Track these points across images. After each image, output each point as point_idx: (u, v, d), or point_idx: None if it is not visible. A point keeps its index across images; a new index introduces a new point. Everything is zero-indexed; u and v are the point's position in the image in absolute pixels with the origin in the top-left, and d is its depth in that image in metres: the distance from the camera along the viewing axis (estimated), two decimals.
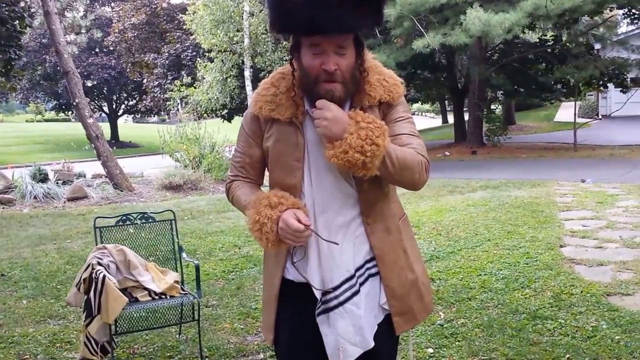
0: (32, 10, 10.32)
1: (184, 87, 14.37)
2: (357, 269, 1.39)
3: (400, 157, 1.28)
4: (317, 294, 1.36)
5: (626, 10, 13.91)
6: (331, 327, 1.36)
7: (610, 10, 14.53)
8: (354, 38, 1.32)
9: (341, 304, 1.35)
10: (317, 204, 1.36)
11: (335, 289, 1.35)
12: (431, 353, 2.62)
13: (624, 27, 18.22)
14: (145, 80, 20.68)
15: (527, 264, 3.83)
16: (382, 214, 1.41)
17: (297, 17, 1.23)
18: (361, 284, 1.39)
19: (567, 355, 2.50)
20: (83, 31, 22.30)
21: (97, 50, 23.77)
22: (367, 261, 1.40)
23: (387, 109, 1.40)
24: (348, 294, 1.36)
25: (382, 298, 1.42)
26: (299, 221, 1.28)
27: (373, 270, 1.41)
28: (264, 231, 1.31)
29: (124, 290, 2.63)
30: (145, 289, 2.72)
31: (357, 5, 1.22)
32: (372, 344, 1.38)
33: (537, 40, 15.24)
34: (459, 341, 2.72)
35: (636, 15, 14.18)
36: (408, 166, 1.29)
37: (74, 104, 8.49)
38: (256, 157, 1.44)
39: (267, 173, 1.49)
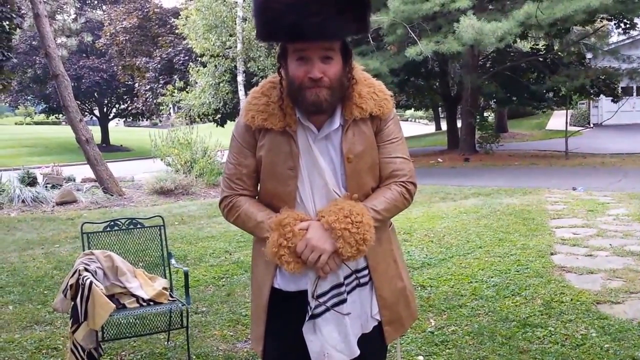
0: (22, 11, 10.23)
1: (176, 91, 14.34)
2: (346, 277, 1.39)
3: (385, 211, 1.37)
4: (311, 302, 1.36)
5: (617, 20, 14.11)
6: (317, 333, 1.36)
7: (602, 21, 14.73)
8: (340, 45, 1.32)
9: (328, 309, 1.35)
10: (311, 212, 1.36)
11: (322, 294, 1.35)
12: None
13: (615, 37, 18.49)
14: (137, 84, 20.59)
15: (517, 271, 3.83)
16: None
17: (281, 24, 1.23)
18: (348, 293, 1.39)
19: None
20: (74, 34, 22.14)
21: (88, 53, 23.62)
22: (356, 271, 1.40)
23: (379, 124, 1.40)
24: (335, 300, 1.36)
25: (373, 308, 1.42)
26: None
27: (362, 280, 1.41)
28: (293, 255, 1.31)
29: (111, 297, 2.60)
30: (133, 295, 2.69)
31: (340, 12, 1.22)
32: (357, 352, 1.37)
33: (530, 49, 15.41)
34: (449, 349, 2.71)
35: (627, 25, 14.40)
36: (394, 212, 1.41)
37: (64, 107, 8.41)
38: (252, 167, 1.41)
39: None
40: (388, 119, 1.41)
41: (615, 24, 14.63)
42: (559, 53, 14.03)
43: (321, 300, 1.36)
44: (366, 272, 1.42)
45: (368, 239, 1.31)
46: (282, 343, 1.42)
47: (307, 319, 1.37)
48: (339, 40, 1.31)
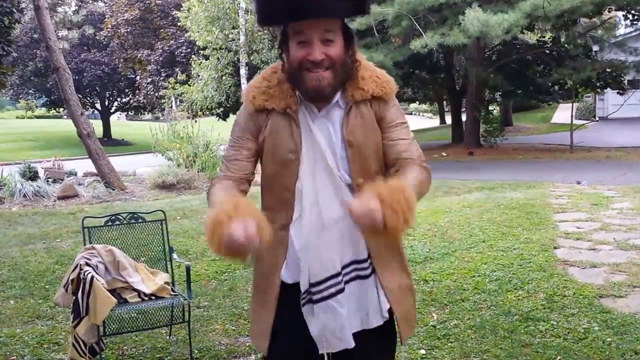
0: (22, 5, 10.17)
1: (178, 84, 14.27)
2: (344, 267, 1.36)
3: (417, 188, 1.29)
4: (303, 287, 1.34)
5: (625, 11, 13.88)
6: (315, 317, 1.35)
7: (609, 12, 14.52)
8: (342, 28, 1.30)
9: (324, 299, 1.33)
10: (310, 196, 1.34)
11: (319, 283, 1.33)
12: (423, 354, 2.61)
13: (622, 29, 18.26)
14: (138, 77, 20.53)
15: (520, 265, 3.81)
16: None
17: (279, 4, 1.24)
18: (346, 283, 1.36)
19: (559, 357, 2.49)
20: (75, 27, 22.05)
21: (89, 46, 23.53)
22: (356, 262, 1.38)
23: (380, 107, 1.38)
24: (332, 290, 1.34)
25: (382, 305, 1.39)
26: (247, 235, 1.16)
27: (362, 273, 1.38)
28: (214, 230, 1.18)
29: (112, 291, 2.59)
30: (135, 290, 2.68)
31: None
32: (352, 344, 1.35)
33: (536, 41, 15.24)
34: (451, 342, 2.71)
35: (635, 17, 14.17)
36: (424, 192, 1.35)
37: (65, 100, 8.37)
38: (251, 152, 1.40)
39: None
40: (389, 104, 1.39)
41: (623, 15, 14.40)
42: (566, 45, 13.86)
43: (317, 289, 1.34)
44: (367, 264, 1.39)
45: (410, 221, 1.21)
46: (289, 335, 1.40)
47: (303, 302, 1.35)
48: (338, 20, 1.30)
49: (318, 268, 1.33)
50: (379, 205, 1.16)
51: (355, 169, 1.34)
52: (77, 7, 23.65)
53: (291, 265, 1.37)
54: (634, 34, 17.12)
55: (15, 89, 24.42)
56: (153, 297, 2.68)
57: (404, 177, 1.30)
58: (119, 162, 11.38)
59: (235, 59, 13.93)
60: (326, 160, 1.33)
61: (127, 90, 25.06)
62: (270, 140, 1.36)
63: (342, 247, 1.35)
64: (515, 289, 3.36)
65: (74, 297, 2.52)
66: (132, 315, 2.87)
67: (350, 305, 1.36)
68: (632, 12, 13.65)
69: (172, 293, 2.76)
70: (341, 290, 1.35)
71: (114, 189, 8.19)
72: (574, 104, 14.20)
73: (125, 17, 19.84)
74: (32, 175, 8.18)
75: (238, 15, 13.33)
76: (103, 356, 2.61)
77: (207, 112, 15.51)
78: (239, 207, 1.19)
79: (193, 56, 15.45)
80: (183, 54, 17.63)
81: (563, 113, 20.02)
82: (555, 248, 4.20)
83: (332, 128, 1.35)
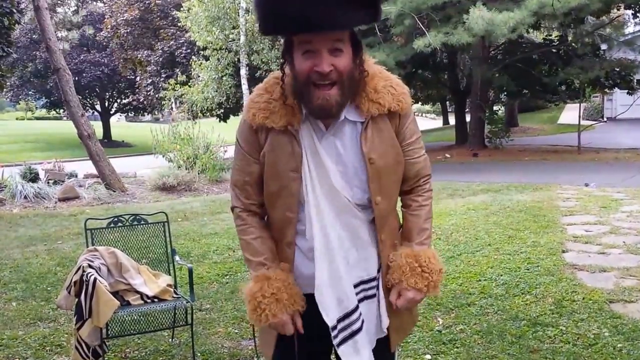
0: (22, 6, 10.17)
1: (178, 85, 14.26)
2: (355, 286, 1.33)
3: (430, 231, 1.42)
4: (331, 321, 1.28)
5: (634, 10, 13.70)
6: (360, 352, 1.29)
7: (618, 10, 14.34)
8: (350, 36, 1.23)
9: (364, 322, 1.30)
10: (319, 217, 1.28)
11: (355, 310, 1.29)
12: (429, 359, 2.56)
13: (631, 27, 18.03)
14: (138, 78, 20.51)
15: (528, 269, 3.76)
16: (390, 228, 1.38)
17: (285, 14, 1.15)
18: (360, 300, 1.34)
19: None
20: (75, 27, 22.07)
21: (89, 47, 23.51)
22: (363, 282, 1.34)
23: (398, 122, 1.32)
24: (359, 313, 1.32)
25: (383, 320, 1.36)
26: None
27: (369, 292, 1.35)
28: (261, 310, 1.32)
29: (115, 294, 2.58)
30: (138, 292, 2.66)
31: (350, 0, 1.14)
32: None
33: (542, 40, 15.07)
34: (457, 347, 2.67)
35: None
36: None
37: (65, 102, 8.34)
38: (256, 174, 1.34)
39: None
40: (408, 117, 1.33)
41: (632, 13, 14.21)
42: (573, 44, 13.67)
43: (354, 316, 1.29)
44: (374, 282, 1.35)
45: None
46: (294, 345, 1.36)
47: (340, 340, 1.30)
48: (348, 31, 1.22)
49: (349, 294, 1.29)
50: (417, 294, 1.31)
51: (375, 188, 1.29)
52: (76, 8, 23.68)
53: (298, 279, 1.34)
54: None
55: (15, 90, 24.39)
56: (156, 300, 2.66)
57: (421, 232, 1.37)
58: (119, 164, 11.37)
59: (236, 59, 13.87)
60: (330, 180, 1.27)
61: (127, 91, 25.02)
62: (270, 158, 1.30)
63: (351, 269, 1.31)
64: (522, 294, 3.31)
65: (76, 300, 2.51)
66: (135, 317, 2.86)
67: (365, 325, 1.34)
68: None
69: (174, 295, 2.73)
70: (361, 313, 1.32)
71: (114, 191, 8.15)
72: (582, 104, 14.05)
73: (125, 18, 19.80)
74: (32, 177, 8.17)
75: (238, 15, 13.29)
76: (106, 359, 2.60)
77: (207, 114, 15.47)
78: (280, 289, 1.30)
79: (193, 57, 15.42)
80: (183, 55, 17.60)
81: (570, 113, 19.85)
82: (563, 252, 4.13)
83: (341, 145, 1.29)
